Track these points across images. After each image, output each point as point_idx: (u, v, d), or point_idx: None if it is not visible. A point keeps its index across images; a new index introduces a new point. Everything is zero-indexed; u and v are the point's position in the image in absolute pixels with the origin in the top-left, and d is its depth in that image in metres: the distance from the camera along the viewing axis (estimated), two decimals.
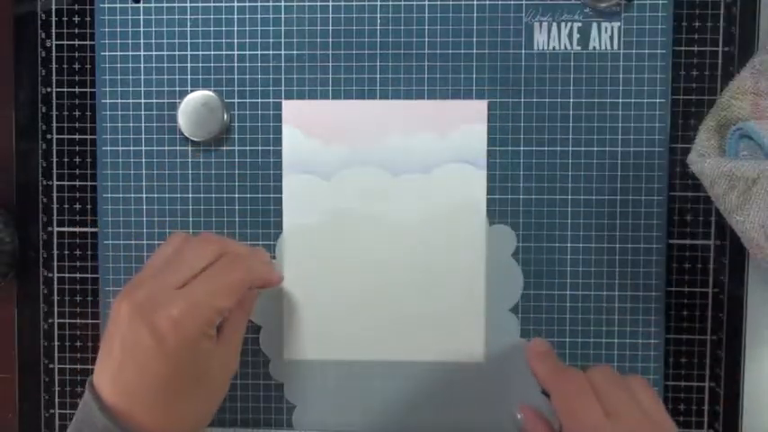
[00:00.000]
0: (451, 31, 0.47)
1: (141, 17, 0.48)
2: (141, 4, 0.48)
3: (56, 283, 0.50)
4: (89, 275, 0.49)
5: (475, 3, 0.47)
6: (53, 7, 0.49)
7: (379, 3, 0.48)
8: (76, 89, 0.49)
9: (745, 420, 0.48)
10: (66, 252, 0.49)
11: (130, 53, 0.48)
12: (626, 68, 0.47)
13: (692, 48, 0.47)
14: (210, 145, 0.48)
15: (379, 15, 0.48)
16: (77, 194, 0.49)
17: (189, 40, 0.48)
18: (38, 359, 0.50)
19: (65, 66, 0.49)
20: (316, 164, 0.48)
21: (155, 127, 0.49)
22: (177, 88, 0.48)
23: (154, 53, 0.48)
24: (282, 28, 0.48)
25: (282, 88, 0.48)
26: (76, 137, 0.49)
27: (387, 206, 0.48)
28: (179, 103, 0.48)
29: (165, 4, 0.48)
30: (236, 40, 0.48)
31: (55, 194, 0.49)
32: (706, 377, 0.48)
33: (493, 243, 0.48)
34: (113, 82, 0.48)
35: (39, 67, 0.49)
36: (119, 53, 0.48)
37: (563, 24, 0.47)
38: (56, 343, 0.50)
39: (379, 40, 0.48)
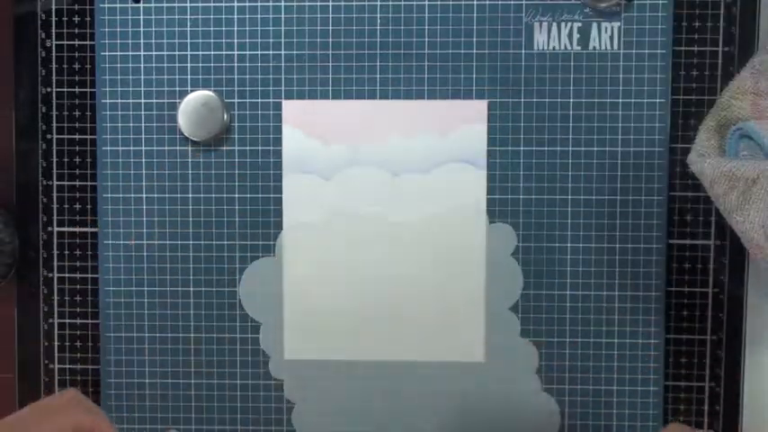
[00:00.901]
0: (451, 31, 0.47)
1: (141, 17, 0.48)
2: (141, 4, 0.48)
3: (56, 283, 0.50)
4: (89, 275, 0.49)
5: (475, 3, 0.47)
6: (53, 7, 0.49)
7: (379, 3, 0.48)
8: (76, 89, 0.49)
9: (745, 420, 0.48)
10: (67, 252, 0.49)
11: (130, 53, 0.48)
12: (626, 68, 0.47)
13: (692, 48, 0.47)
14: (210, 145, 0.48)
15: (379, 15, 0.48)
16: (77, 194, 0.49)
17: (189, 40, 0.48)
18: (38, 359, 0.50)
19: (65, 66, 0.49)
20: (316, 164, 0.48)
21: (155, 127, 0.49)
22: (177, 88, 0.48)
23: (154, 53, 0.48)
24: (282, 28, 0.48)
25: (282, 88, 0.48)
26: (76, 137, 0.49)
27: (387, 206, 0.48)
28: (179, 103, 0.48)
29: (165, 4, 0.48)
30: (236, 40, 0.48)
31: (55, 194, 0.49)
32: (706, 377, 0.48)
33: (493, 242, 0.48)
34: (113, 82, 0.48)
35: (39, 67, 0.49)
36: (119, 53, 0.48)
37: (563, 24, 0.47)
38: (56, 343, 0.50)
39: (379, 40, 0.48)
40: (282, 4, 0.48)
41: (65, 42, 0.49)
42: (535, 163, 0.48)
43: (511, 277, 0.48)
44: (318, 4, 0.48)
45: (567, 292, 0.48)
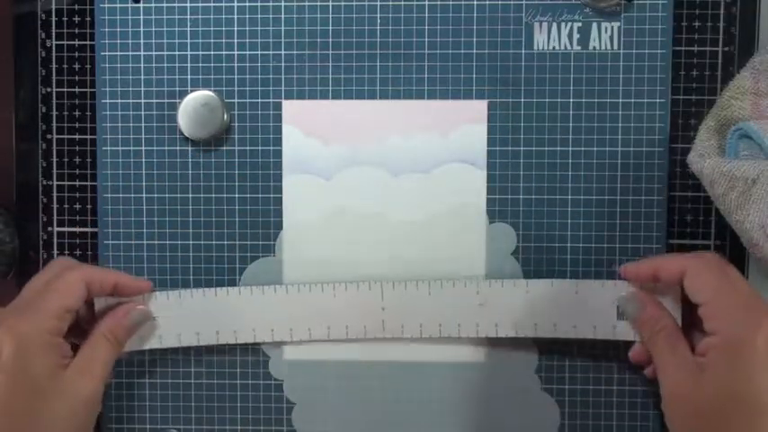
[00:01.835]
0: (451, 31, 0.47)
1: (141, 17, 0.48)
2: (141, 4, 0.48)
3: None
4: None
5: (475, 3, 0.47)
6: (53, 7, 0.49)
7: (379, 3, 0.48)
8: (76, 89, 0.49)
9: None
10: (67, 252, 0.49)
11: (130, 53, 0.48)
12: (626, 68, 0.47)
13: (692, 48, 0.47)
14: (210, 145, 0.48)
15: (379, 15, 0.48)
16: (77, 194, 0.49)
17: (189, 40, 0.48)
18: None
19: (65, 66, 0.49)
20: (316, 164, 0.48)
21: (155, 127, 0.49)
22: (177, 88, 0.48)
23: (154, 53, 0.48)
24: (282, 28, 0.48)
25: (282, 88, 0.48)
26: (76, 137, 0.49)
27: (387, 206, 0.48)
28: (179, 103, 0.48)
29: (165, 4, 0.48)
30: (236, 40, 0.48)
31: (55, 194, 0.49)
32: None
33: (493, 242, 0.48)
34: (113, 82, 0.48)
35: (39, 67, 0.49)
36: (119, 53, 0.48)
37: (563, 24, 0.47)
38: None
39: (379, 40, 0.48)
40: (282, 4, 0.48)
41: (65, 42, 0.49)
42: (535, 163, 0.48)
43: (511, 277, 0.48)
44: (318, 4, 0.48)
45: None
